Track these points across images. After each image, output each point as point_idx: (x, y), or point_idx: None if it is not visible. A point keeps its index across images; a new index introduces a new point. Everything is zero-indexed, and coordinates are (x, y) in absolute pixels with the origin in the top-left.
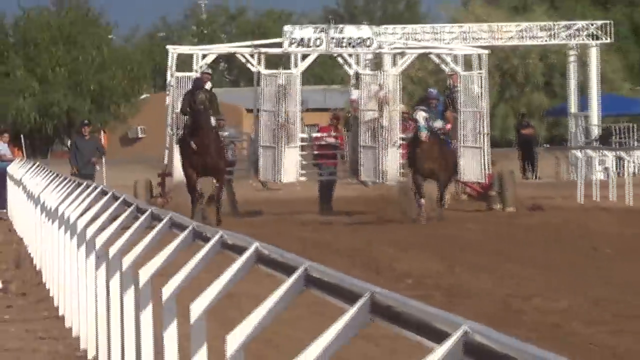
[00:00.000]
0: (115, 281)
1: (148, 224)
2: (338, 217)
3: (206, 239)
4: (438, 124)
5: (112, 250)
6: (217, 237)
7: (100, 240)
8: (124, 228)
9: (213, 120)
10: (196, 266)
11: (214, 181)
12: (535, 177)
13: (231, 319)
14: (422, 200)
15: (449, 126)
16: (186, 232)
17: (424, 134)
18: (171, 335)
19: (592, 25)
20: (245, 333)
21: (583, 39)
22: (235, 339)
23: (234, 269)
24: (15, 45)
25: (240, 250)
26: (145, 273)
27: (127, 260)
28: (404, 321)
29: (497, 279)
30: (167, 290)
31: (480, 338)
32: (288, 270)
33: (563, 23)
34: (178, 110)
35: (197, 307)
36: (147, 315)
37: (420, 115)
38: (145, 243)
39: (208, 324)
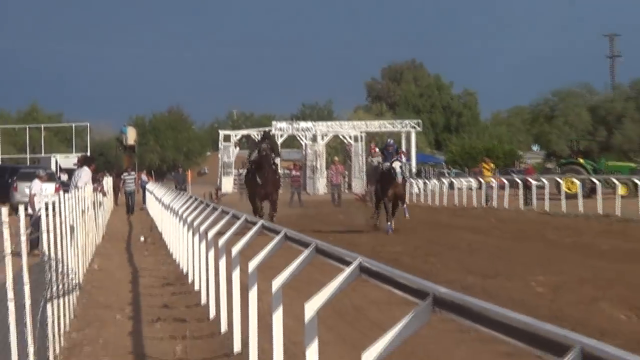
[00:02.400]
0: (197, 238)
1: (211, 211)
2: (300, 209)
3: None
4: (396, 164)
5: (195, 223)
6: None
7: (189, 218)
8: (201, 213)
9: (277, 160)
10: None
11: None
12: None
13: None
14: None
15: (404, 159)
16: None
17: (400, 178)
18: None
19: (413, 121)
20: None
21: (408, 128)
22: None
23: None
24: (148, 131)
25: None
26: (210, 234)
27: (203, 227)
28: (332, 257)
29: (370, 237)
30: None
31: (365, 263)
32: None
33: (399, 121)
34: (225, 159)
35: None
36: (211, 255)
37: (397, 165)
38: (210, 218)
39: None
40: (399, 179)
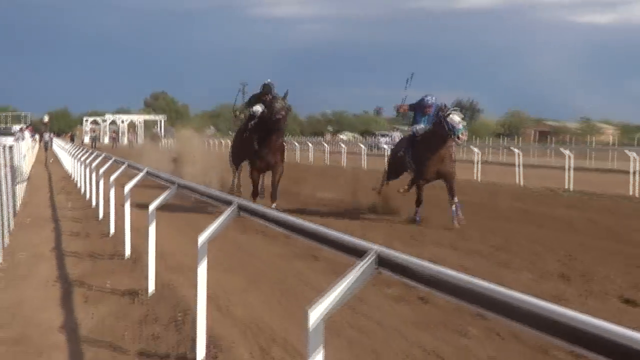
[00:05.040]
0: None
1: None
2: None
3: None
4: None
5: (91, 164)
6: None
7: (87, 161)
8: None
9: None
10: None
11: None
12: None
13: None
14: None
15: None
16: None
17: (464, 133)
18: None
19: (163, 116)
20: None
21: (160, 118)
22: (315, 314)
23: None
24: (54, 116)
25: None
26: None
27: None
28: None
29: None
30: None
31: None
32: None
33: (158, 116)
34: (85, 129)
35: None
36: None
37: (456, 117)
38: (82, 152)
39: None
40: (464, 135)
